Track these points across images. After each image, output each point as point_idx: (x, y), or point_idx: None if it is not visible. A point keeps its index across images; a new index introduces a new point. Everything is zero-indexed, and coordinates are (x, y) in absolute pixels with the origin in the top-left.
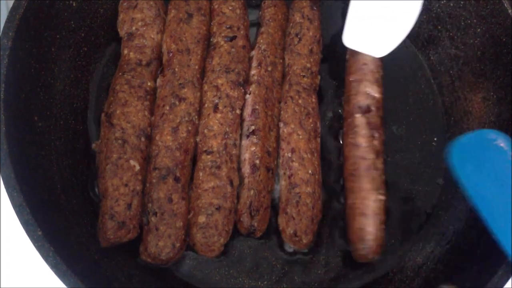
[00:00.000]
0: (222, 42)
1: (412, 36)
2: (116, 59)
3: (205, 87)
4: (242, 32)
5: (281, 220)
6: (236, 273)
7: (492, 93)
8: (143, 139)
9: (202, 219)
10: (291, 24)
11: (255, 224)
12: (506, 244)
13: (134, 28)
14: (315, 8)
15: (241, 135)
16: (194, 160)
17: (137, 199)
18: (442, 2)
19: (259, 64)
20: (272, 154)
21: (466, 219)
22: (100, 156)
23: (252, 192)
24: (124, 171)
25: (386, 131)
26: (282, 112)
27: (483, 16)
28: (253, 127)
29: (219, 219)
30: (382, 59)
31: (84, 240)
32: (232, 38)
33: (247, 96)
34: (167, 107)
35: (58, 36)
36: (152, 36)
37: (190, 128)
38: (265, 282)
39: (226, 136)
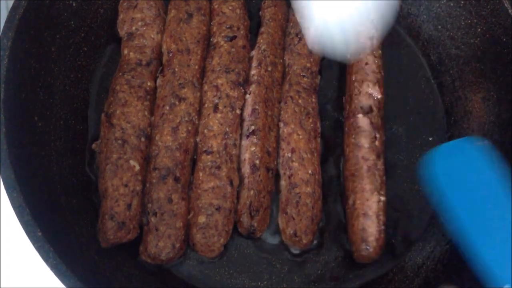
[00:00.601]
0: (222, 42)
1: (412, 36)
2: (116, 59)
3: (205, 87)
4: (242, 32)
5: (281, 221)
6: (236, 273)
7: (492, 93)
8: (143, 139)
9: (202, 219)
10: (291, 24)
11: (255, 224)
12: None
13: (134, 28)
14: None
15: (241, 135)
16: (194, 160)
17: (137, 200)
18: (442, 2)
19: (259, 64)
20: (272, 154)
21: None
22: (100, 156)
23: (252, 192)
24: (124, 171)
25: (386, 131)
26: (282, 112)
27: (483, 16)
28: (253, 127)
29: (219, 219)
30: (382, 59)
31: (84, 241)
32: (232, 38)
33: (247, 96)
34: (167, 107)
35: (58, 36)
36: (152, 36)
37: (190, 128)
38: (265, 282)
39: (226, 136)
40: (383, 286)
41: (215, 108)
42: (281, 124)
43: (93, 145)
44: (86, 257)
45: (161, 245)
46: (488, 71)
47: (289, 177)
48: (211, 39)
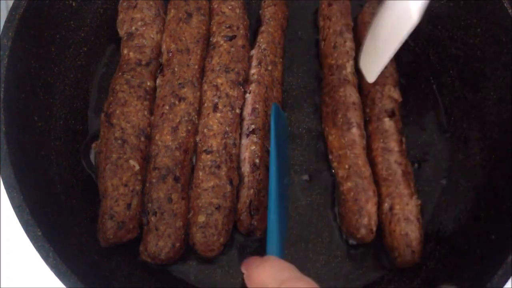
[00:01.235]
0: (222, 42)
1: (412, 36)
2: (116, 59)
3: (205, 87)
4: (241, 31)
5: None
6: (236, 273)
7: (492, 93)
8: (142, 139)
9: (201, 218)
10: None
11: (255, 223)
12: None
13: (133, 28)
14: None
15: (240, 134)
16: (194, 160)
17: (136, 199)
18: (442, 2)
19: (259, 63)
20: None
21: (466, 219)
22: (99, 156)
23: (252, 191)
24: (124, 171)
25: None
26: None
27: (483, 16)
28: (253, 126)
29: (219, 219)
30: None
31: (84, 240)
32: (232, 38)
33: (247, 95)
34: (167, 107)
35: (58, 36)
36: (152, 36)
37: (189, 127)
38: None
39: (225, 136)
40: (383, 286)
41: (215, 107)
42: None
43: (93, 145)
44: (86, 257)
45: (161, 245)
46: (488, 70)
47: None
48: (211, 39)
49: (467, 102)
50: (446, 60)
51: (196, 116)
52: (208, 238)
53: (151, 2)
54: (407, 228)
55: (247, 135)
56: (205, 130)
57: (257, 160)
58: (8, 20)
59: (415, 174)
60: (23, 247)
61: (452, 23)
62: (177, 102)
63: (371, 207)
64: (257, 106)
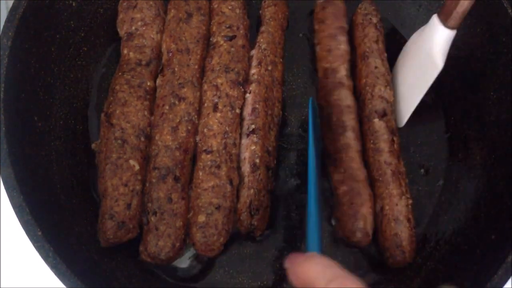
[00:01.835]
0: (222, 42)
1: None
2: (116, 59)
3: (205, 87)
4: (241, 31)
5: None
6: (236, 273)
7: (492, 93)
8: (142, 139)
9: (201, 218)
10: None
11: (255, 223)
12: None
13: (133, 28)
14: None
15: (240, 134)
16: (194, 160)
17: (136, 199)
18: (442, 2)
19: (259, 63)
20: (272, 153)
21: (466, 219)
22: (99, 156)
23: (252, 191)
24: (124, 171)
25: None
26: None
27: (483, 16)
28: (253, 126)
29: (219, 219)
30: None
31: (83, 240)
32: (232, 38)
33: (247, 95)
34: (167, 107)
35: (58, 36)
36: (152, 36)
37: (189, 127)
38: (265, 282)
39: (225, 136)
40: (383, 286)
41: (215, 107)
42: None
43: (93, 145)
44: (86, 257)
45: (161, 245)
46: (487, 71)
47: None
48: (211, 39)
49: (467, 102)
50: (446, 60)
51: (196, 116)
52: (208, 238)
53: (151, 2)
54: (397, 228)
55: (247, 135)
56: (205, 130)
57: (257, 160)
58: (8, 20)
59: (416, 174)
60: (23, 247)
61: None
62: (177, 102)
63: (366, 211)
64: (257, 106)
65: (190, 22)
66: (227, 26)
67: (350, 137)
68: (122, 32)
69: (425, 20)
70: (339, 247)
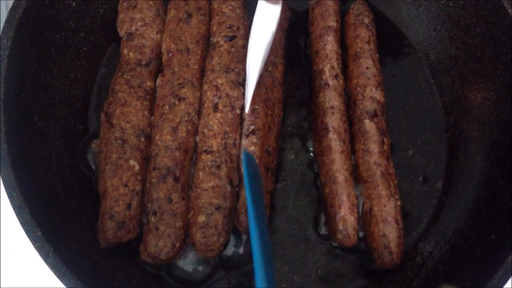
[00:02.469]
0: (222, 42)
1: (412, 36)
2: (115, 59)
3: (205, 87)
4: (242, 31)
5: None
6: (236, 273)
7: (492, 93)
8: (142, 139)
9: (202, 218)
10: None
11: None
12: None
13: (133, 28)
14: None
15: (240, 134)
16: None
17: (136, 199)
18: (442, 2)
19: None
20: (272, 154)
21: (466, 219)
22: (99, 156)
23: None
24: (124, 171)
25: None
26: None
27: (482, 16)
28: (252, 127)
29: (219, 219)
30: (381, 60)
31: (83, 240)
32: (232, 38)
33: None
34: (167, 107)
35: (57, 36)
36: (152, 36)
37: (189, 127)
38: None
39: (225, 136)
40: (383, 286)
41: (215, 107)
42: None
43: (93, 145)
44: (86, 257)
45: (161, 245)
46: (487, 71)
47: None
48: (211, 39)
49: (467, 102)
50: (446, 60)
51: (196, 116)
52: (208, 238)
53: (151, 2)
54: (385, 229)
55: (247, 136)
56: (205, 130)
57: (256, 161)
58: (8, 20)
59: (416, 174)
60: (23, 247)
61: (452, 23)
62: (177, 102)
63: (345, 212)
64: (257, 107)
65: (190, 22)
66: (227, 26)
67: (332, 139)
68: (122, 32)
69: (425, 20)
70: (338, 248)
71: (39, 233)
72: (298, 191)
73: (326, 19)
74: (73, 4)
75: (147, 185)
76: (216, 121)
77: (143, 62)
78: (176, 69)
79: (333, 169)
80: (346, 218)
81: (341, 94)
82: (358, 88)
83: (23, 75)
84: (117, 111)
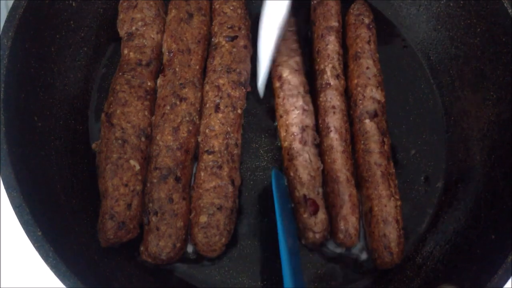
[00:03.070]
0: (224, 42)
1: (412, 36)
2: (116, 59)
3: (207, 87)
4: (243, 32)
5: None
6: (236, 273)
7: (492, 93)
8: (143, 139)
9: (203, 219)
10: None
11: None
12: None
13: (134, 28)
14: None
15: (242, 135)
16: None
17: (137, 199)
18: (442, 2)
19: None
20: None
21: (466, 219)
22: (100, 156)
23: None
24: (124, 171)
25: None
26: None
27: (482, 16)
28: None
29: (221, 219)
30: (380, 63)
31: (84, 240)
32: (233, 38)
33: None
34: (168, 107)
35: (57, 36)
36: (152, 36)
37: (191, 128)
38: (265, 282)
39: (227, 136)
40: (383, 286)
41: (217, 108)
42: None
43: (93, 145)
44: (86, 257)
45: (161, 245)
46: (487, 71)
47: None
48: (212, 39)
49: (467, 102)
50: (446, 60)
51: (197, 117)
52: (210, 238)
53: (151, 2)
54: (385, 229)
55: None
56: (207, 131)
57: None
58: (8, 20)
59: (416, 174)
60: (23, 247)
61: (452, 23)
62: (178, 102)
63: (346, 212)
64: None
65: (191, 22)
66: (229, 26)
67: (333, 139)
68: (122, 32)
69: (425, 20)
70: (339, 247)
71: (39, 233)
72: None
73: (328, 19)
74: (73, 4)
75: (148, 185)
76: (218, 121)
77: (144, 62)
78: (177, 69)
79: (335, 169)
80: (347, 217)
81: (342, 94)
82: (359, 88)
83: (23, 75)
84: (118, 111)
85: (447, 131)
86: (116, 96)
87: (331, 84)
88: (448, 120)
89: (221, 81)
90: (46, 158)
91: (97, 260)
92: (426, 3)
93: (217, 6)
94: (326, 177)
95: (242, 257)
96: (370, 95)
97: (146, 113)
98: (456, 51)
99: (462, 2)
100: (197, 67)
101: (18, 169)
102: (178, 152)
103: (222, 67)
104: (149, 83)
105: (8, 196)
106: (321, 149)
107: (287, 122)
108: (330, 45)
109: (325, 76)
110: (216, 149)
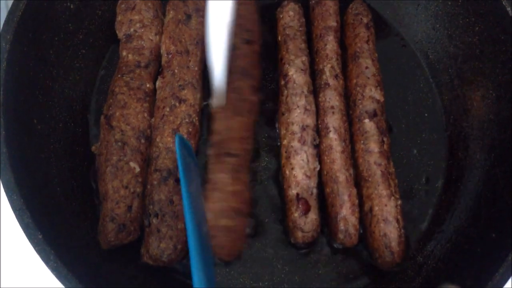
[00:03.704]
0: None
1: (410, 35)
2: (114, 61)
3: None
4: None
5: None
6: (237, 273)
7: (491, 91)
8: (143, 141)
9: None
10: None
11: None
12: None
13: (132, 29)
14: None
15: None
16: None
17: (137, 201)
18: (440, 1)
19: None
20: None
21: (466, 217)
22: (100, 159)
23: None
24: (124, 173)
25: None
26: None
27: (481, 14)
28: None
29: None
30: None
31: (84, 243)
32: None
33: None
34: (167, 109)
35: (56, 39)
36: (151, 37)
37: (190, 129)
38: (266, 283)
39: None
40: (384, 286)
41: None
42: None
43: (93, 148)
44: (87, 260)
45: (162, 247)
46: (486, 69)
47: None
48: None
49: (466, 100)
50: (445, 59)
51: (196, 118)
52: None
53: (149, 4)
54: (386, 229)
55: None
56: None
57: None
58: (6, 23)
59: (416, 173)
60: (24, 251)
61: (450, 22)
62: (177, 104)
63: (346, 212)
64: None
65: (189, 24)
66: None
67: (332, 139)
68: (120, 34)
69: (423, 19)
70: (339, 247)
71: (40, 236)
72: None
73: (326, 19)
74: (71, 6)
75: (149, 187)
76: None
77: (142, 64)
78: (176, 71)
79: (335, 169)
80: (347, 218)
81: (341, 94)
82: (358, 88)
83: (22, 77)
84: (117, 113)
85: (446, 130)
86: (115, 98)
87: (330, 84)
88: (448, 118)
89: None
90: (46, 161)
91: (98, 263)
92: (425, 2)
93: None
94: (325, 177)
95: (242, 257)
96: (369, 95)
97: (146, 115)
98: (455, 49)
99: (460, 0)
100: (196, 68)
101: (18, 172)
102: None
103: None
104: (148, 85)
105: (9, 200)
106: (320, 149)
107: (288, 120)
108: (329, 45)
109: (324, 76)
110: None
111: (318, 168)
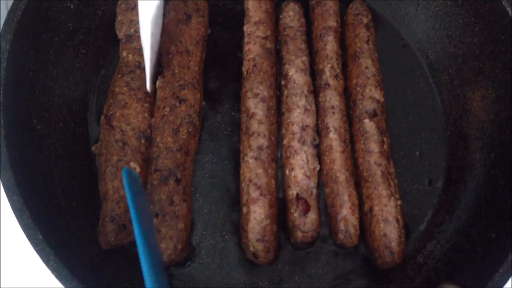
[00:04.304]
0: None
1: (410, 35)
2: (115, 61)
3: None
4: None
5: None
6: (237, 274)
7: (491, 91)
8: (143, 141)
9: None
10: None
11: None
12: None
13: (132, 30)
14: None
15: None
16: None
17: None
18: (440, 1)
19: None
20: None
21: (466, 217)
22: (100, 159)
23: None
24: None
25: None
26: None
27: (481, 14)
28: None
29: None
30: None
31: (85, 243)
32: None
33: None
34: (167, 109)
35: (56, 39)
36: None
37: (190, 129)
38: (266, 283)
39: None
40: (384, 286)
41: None
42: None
43: (93, 148)
44: (87, 260)
45: (163, 247)
46: (486, 69)
47: None
48: None
49: (466, 100)
50: (444, 59)
51: (196, 118)
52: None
53: None
54: (386, 229)
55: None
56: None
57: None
58: (6, 23)
59: (416, 173)
60: (24, 251)
61: (450, 22)
62: (177, 104)
63: (346, 212)
64: None
65: (190, 24)
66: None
67: (332, 139)
68: (120, 34)
69: (423, 19)
70: (340, 247)
71: (40, 237)
72: None
73: (326, 19)
74: (71, 6)
75: (149, 187)
76: None
77: (143, 64)
78: (176, 71)
79: (335, 169)
80: (347, 218)
81: (341, 94)
82: (358, 88)
83: (22, 78)
84: (117, 113)
85: (446, 130)
86: (116, 98)
87: (330, 84)
88: (448, 119)
89: None
90: (46, 161)
91: (98, 263)
92: (425, 2)
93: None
94: (325, 177)
95: (242, 257)
96: (369, 95)
97: (146, 115)
98: (455, 50)
99: (460, 1)
100: (196, 68)
101: (18, 172)
102: (178, 154)
103: None
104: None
105: (9, 200)
106: (320, 149)
107: (288, 120)
108: (329, 45)
109: (324, 76)
110: None
111: (318, 168)
